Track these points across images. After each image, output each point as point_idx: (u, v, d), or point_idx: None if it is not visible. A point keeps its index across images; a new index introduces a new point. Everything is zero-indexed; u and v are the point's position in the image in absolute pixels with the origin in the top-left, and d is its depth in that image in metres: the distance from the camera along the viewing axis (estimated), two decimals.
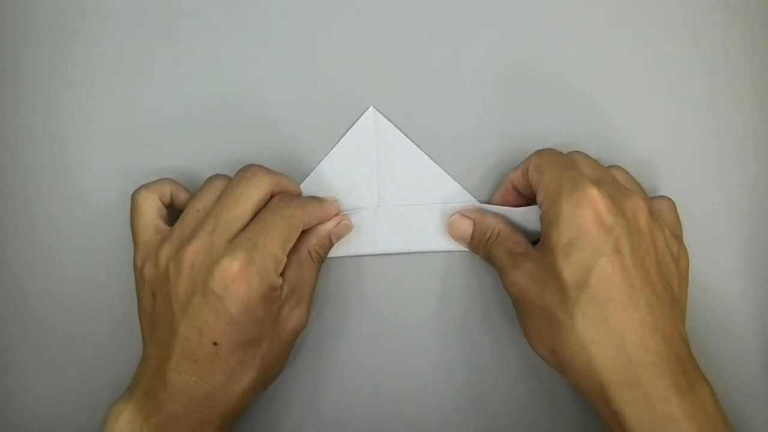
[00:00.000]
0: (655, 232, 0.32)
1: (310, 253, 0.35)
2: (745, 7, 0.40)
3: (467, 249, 0.38)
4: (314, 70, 0.39)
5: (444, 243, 0.38)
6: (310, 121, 0.39)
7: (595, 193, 0.30)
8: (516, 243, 0.34)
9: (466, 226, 0.36)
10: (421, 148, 0.38)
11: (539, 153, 0.34)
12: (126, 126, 0.39)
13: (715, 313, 0.38)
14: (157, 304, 0.32)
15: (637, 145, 0.39)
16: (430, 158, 0.38)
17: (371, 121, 0.38)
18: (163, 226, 0.34)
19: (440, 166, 0.38)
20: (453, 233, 0.37)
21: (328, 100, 0.39)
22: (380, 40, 0.39)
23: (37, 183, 0.38)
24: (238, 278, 0.31)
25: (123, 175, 0.38)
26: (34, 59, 0.39)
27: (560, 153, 0.34)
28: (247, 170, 0.34)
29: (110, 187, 0.38)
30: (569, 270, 0.30)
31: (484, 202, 0.38)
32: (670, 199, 0.36)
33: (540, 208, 0.33)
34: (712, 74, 0.39)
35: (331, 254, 0.37)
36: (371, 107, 0.38)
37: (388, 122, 0.38)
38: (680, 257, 0.33)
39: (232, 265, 0.31)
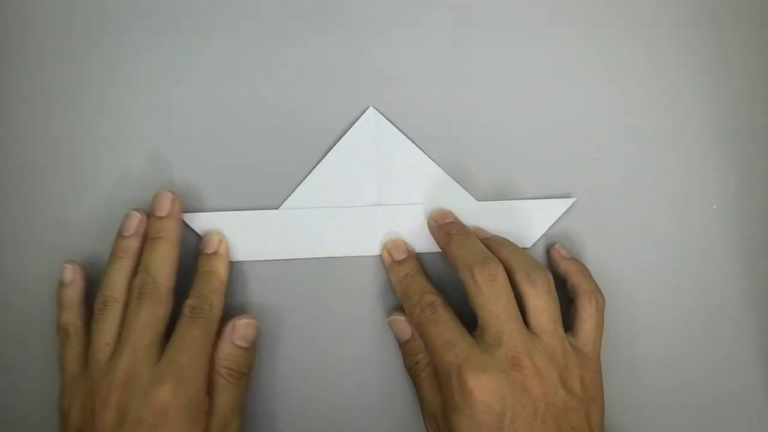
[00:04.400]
0: (550, 389, 0.31)
1: (219, 372, 0.33)
2: (746, 7, 0.40)
3: None
4: (314, 71, 0.39)
5: None
6: (310, 122, 0.39)
7: (480, 385, 0.31)
8: (434, 400, 0.33)
9: (401, 330, 0.36)
10: (420, 148, 0.38)
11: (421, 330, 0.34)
12: (124, 127, 0.39)
13: (714, 314, 0.38)
14: None
15: (636, 144, 0.39)
16: (430, 158, 0.38)
17: (371, 121, 0.38)
18: (82, 356, 0.34)
19: (440, 167, 0.38)
20: (393, 329, 0.37)
21: (328, 100, 0.39)
22: (380, 40, 0.39)
23: (39, 184, 0.38)
24: (170, 405, 0.30)
25: (127, 177, 0.38)
26: (40, 60, 0.39)
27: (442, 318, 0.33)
28: (143, 291, 0.33)
29: (112, 188, 0.38)
30: None
31: (482, 201, 0.38)
32: (591, 307, 0.34)
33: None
34: (712, 74, 0.39)
35: (330, 255, 0.37)
36: (371, 107, 0.38)
37: (388, 122, 0.38)
38: (586, 383, 0.33)
39: (161, 392, 0.31)
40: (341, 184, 0.38)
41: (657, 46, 0.39)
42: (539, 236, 0.38)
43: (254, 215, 0.37)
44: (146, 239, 0.35)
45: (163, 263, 0.34)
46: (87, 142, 0.38)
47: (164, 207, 0.35)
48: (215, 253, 0.36)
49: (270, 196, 0.38)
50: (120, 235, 0.35)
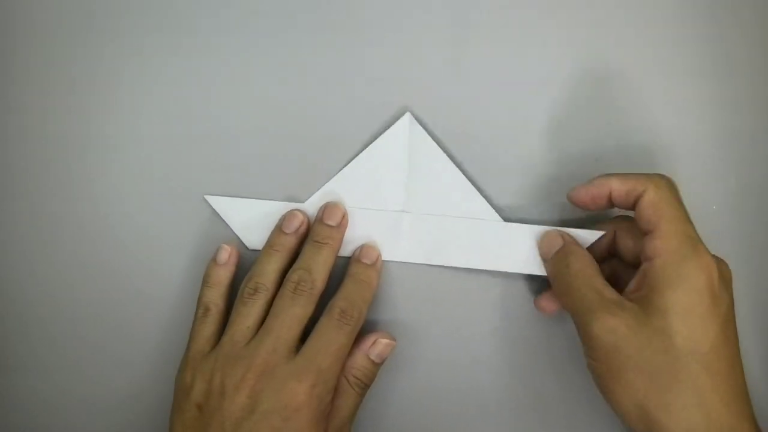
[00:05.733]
0: (731, 296, 0.32)
1: (348, 379, 0.34)
2: (747, 7, 0.39)
3: (483, 268, 0.37)
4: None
5: (463, 259, 0.37)
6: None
7: (711, 261, 0.30)
8: (604, 285, 0.32)
9: (558, 243, 0.35)
10: (454, 160, 0.37)
11: (656, 185, 0.32)
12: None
13: None
14: (203, 417, 0.32)
15: (636, 144, 0.39)
16: (462, 172, 0.37)
17: (407, 127, 0.37)
18: (215, 336, 0.34)
19: (471, 182, 0.37)
20: (541, 246, 0.36)
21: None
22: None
23: (41, 183, 0.37)
24: (305, 403, 0.31)
25: (131, 177, 0.38)
26: (48, 60, 0.37)
27: (675, 190, 0.32)
28: (300, 287, 0.34)
29: (113, 187, 0.38)
30: (683, 336, 0.30)
31: (509, 221, 0.37)
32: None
33: (650, 255, 0.31)
34: (712, 75, 0.39)
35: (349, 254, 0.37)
36: (408, 113, 0.37)
37: (424, 131, 0.37)
38: None
39: (299, 389, 0.31)
40: (368, 187, 0.37)
41: (657, 46, 0.39)
42: None
43: (279, 206, 0.37)
44: (304, 239, 0.36)
45: (323, 267, 0.35)
46: (98, 143, 0.38)
47: (336, 217, 0.36)
48: (373, 265, 0.36)
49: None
50: (279, 230, 0.36)
